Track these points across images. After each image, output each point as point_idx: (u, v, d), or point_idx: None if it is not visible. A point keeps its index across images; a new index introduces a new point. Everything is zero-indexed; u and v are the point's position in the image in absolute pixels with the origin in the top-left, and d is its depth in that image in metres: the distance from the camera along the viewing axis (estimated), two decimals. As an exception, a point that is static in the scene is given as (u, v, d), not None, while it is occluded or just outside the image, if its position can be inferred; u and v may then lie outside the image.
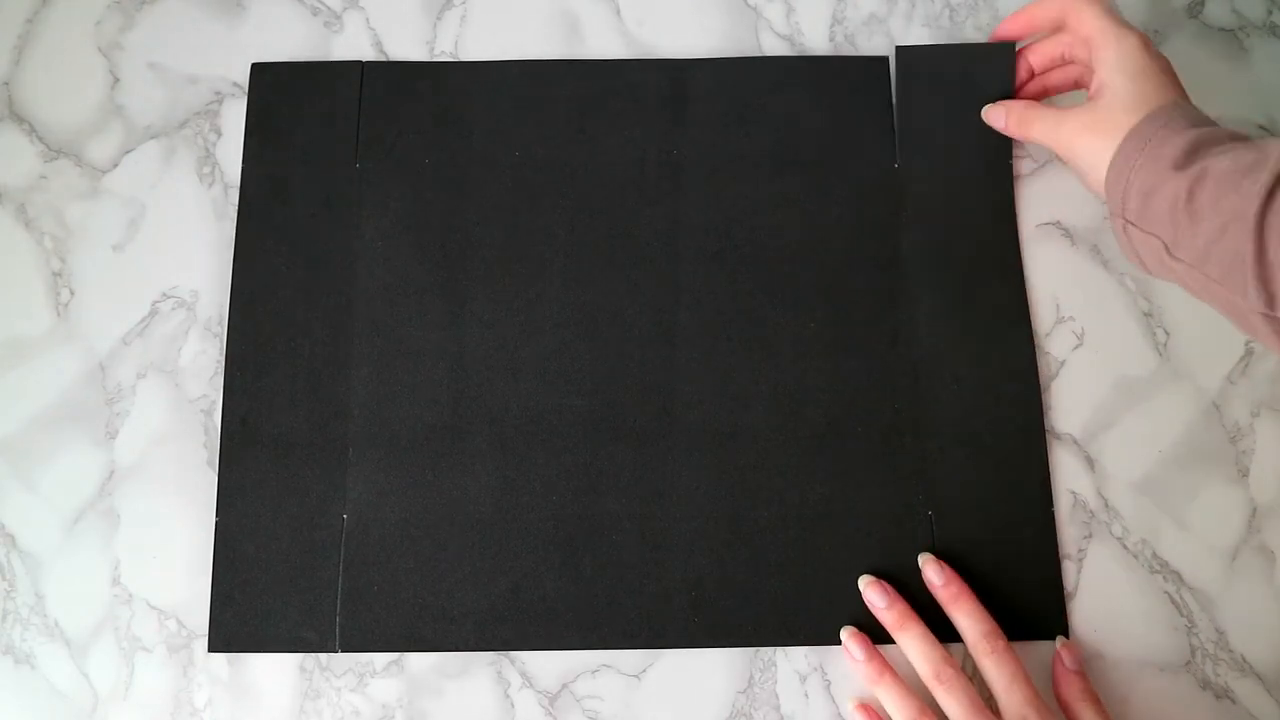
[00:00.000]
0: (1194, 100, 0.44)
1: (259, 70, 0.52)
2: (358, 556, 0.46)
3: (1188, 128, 0.41)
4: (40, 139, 0.51)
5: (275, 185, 0.50)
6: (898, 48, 0.52)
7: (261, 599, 0.45)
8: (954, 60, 0.52)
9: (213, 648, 0.44)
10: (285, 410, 0.47)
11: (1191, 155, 0.40)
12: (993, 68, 0.51)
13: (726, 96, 0.52)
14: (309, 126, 0.51)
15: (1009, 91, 0.51)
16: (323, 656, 0.45)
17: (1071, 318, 0.50)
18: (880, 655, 0.45)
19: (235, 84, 0.52)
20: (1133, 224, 0.42)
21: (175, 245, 0.49)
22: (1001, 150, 0.52)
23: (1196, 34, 0.55)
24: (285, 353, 0.48)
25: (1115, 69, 0.44)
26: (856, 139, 0.52)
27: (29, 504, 0.46)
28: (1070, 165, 0.47)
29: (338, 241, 0.49)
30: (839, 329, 0.49)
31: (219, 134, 0.51)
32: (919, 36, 0.54)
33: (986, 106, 0.50)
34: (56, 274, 0.49)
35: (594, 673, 0.45)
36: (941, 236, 0.50)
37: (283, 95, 0.51)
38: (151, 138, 0.51)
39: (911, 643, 0.44)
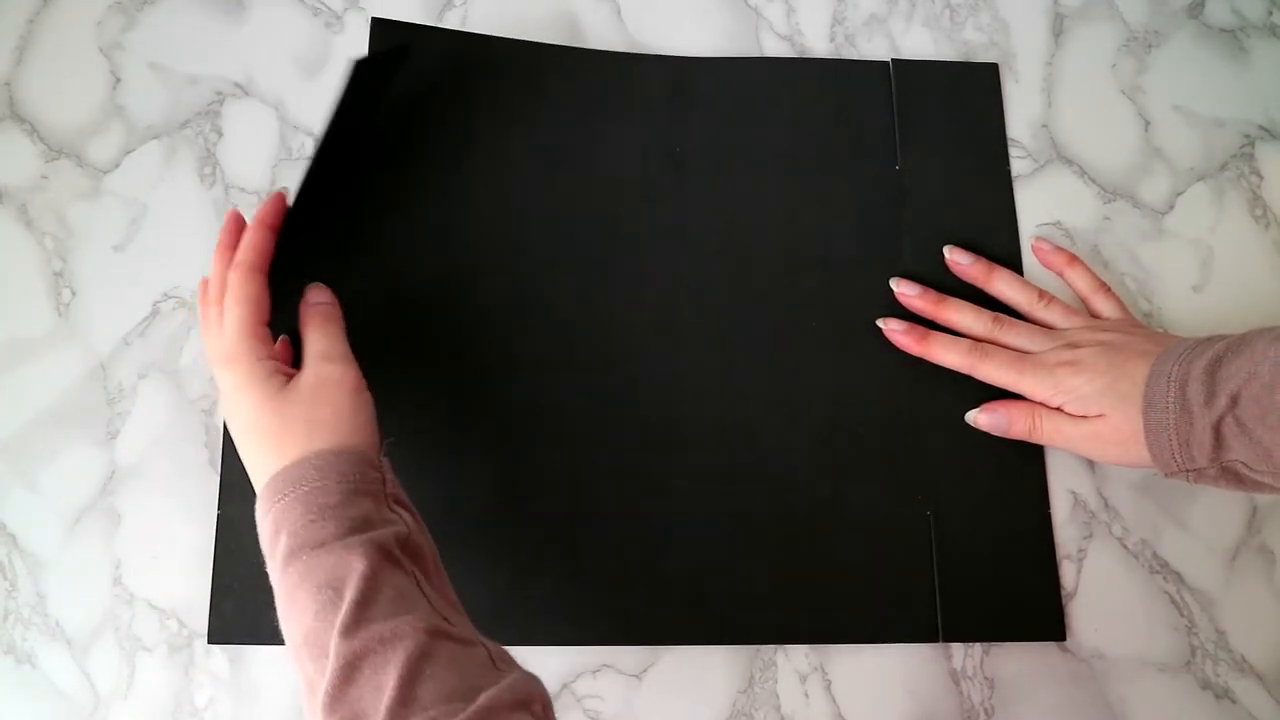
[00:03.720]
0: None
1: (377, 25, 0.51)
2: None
3: (1188, 365, 0.41)
4: (41, 139, 0.51)
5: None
6: (894, 60, 0.53)
7: (262, 592, 0.45)
8: (947, 74, 0.53)
9: (212, 639, 0.44)
10: None
11: (1211, 389, 0.40)
12: (980, 84, 0.53)
13: (730, 95, 0.52)
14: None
15: (998, 104, 0.52)
16: (323, 656, 0.45)
17: (1072, 318, 0.50)
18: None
19: (236, 84, 0.52)
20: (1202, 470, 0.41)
21: (176, 245, 0.49)
22: (1000, 151, 0.52)
23: (1196, 34, 0.55)
24: None
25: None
26: (858, 139, 0.52)
27: (30, 504, 0.46)
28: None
29: (339, 233, 0.49)
30: (840, 328, 0.49)
31: (220, 134, 0.51)
32: (919, 37, 0.54)
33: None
34: (57, 274, 0.49)
35: (594, 673, 0.45)
36: (941, 236, 0.50)
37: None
38: (152, 138, 0.51)
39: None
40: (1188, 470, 0.41)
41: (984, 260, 0.49)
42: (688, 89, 0.52)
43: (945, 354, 0.47)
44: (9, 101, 0.51)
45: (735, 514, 0.47)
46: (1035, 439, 0.46)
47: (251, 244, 0.41)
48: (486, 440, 0.47)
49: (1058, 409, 0.45)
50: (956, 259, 0.49)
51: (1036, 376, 0.45)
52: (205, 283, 0.43)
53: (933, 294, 0.49)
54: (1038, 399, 0.45)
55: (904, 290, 0.49)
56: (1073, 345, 0.45)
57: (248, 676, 0.45)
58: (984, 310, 0.48)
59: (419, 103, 0.51)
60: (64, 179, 0.50)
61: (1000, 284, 0.49)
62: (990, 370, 0.46)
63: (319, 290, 0.43)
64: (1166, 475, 0.42)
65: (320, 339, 0.41)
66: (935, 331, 0.48)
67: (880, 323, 0.49)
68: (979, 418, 0.47)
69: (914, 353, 0.48)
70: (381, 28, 0.51)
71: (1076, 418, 0.44)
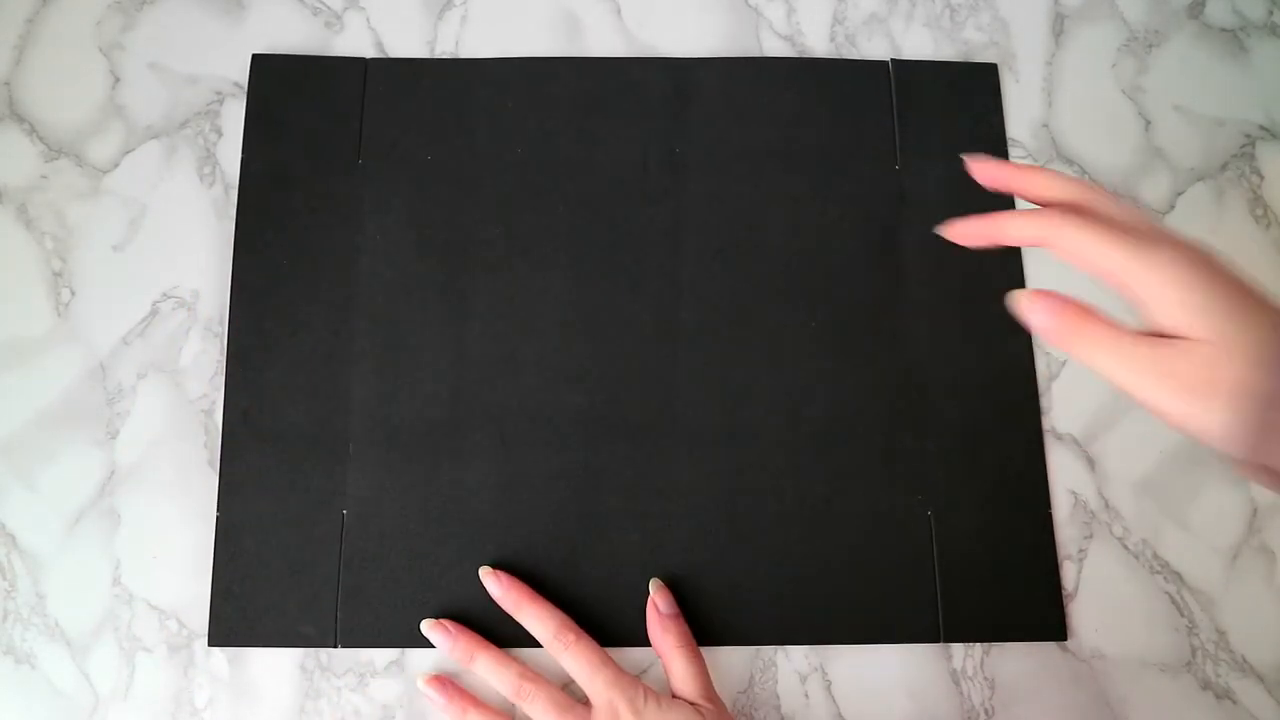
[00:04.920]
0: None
1: (260, 61, 0.52)
2: (358, 552, 0.46)
3: None
4: (41, 139, 0.51)
5: (276, 179, 0.50)
6: (893, 60, 0.53)
7: (261, 594, 0.45)
8: (947, 74, 0.53)
9: (212, 642, 0.44)
10: (286, 405, 0.47)
11: None
12: (980, 84, 0.53)
13: (729, 96, 0.52)
14: (311, 121, 0.51)
15: (998, 104, 0.52)
16: (323, 656, 0.45)
17: (1072, 318, 0.50)
18: (471, 639, 0.44)
19: (236, 84, 0.52)
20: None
21: (176, 245, 0.49)
22: (1000, 151, 0.52)
23: (1196, 34, 0.55)
24: (287, 347, 0.48)
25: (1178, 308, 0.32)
26: (858, 139, 0.52)
27: (30, 504, 0.46)
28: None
29: (340, 237, 0.49)
30: (839, 329, 0.49)
31: (219, 134, 0.51)
32: (919, 37, 0.54)
33: (1018, 296, 0.34)
34: (57, 274, 0.49)
35: (594, 673, 0.45)
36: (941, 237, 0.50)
37: (284, 88, 0.51)
38: (152, 138, 0.51)
39: (487, 665, 0.44)
40: (1247, 461, 0.31)
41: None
42: (688, 89, 0.52)
43: (1021, 228, 0.35)
44: (9, 101, 0.51)
45: (735, 514, 0.47)
46: (1078, 353, 0.34)
47: (549, 616, 0.44)
48: (486, 440, 0.47)
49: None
50: (981, 169, 0.37)
51: (1144, 252, 0.33)
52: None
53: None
54: (1134, 282, 0.33)
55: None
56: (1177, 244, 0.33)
57: (247, 677, 0.45)
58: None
59: (418, 127, 0.51)
60: (63, 179, 0.50)
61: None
62: (1083, 236, 0.33)
63: (664, 595, 0.45)
64: (1227, 452, 0.32)
65: (697, 673, 0.43)
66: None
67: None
68: (1027, 304, 0.34)
69: (981, 240, 0.37)
70: (380, 65, 0.52)
71: (1152, 338, 0.33)
